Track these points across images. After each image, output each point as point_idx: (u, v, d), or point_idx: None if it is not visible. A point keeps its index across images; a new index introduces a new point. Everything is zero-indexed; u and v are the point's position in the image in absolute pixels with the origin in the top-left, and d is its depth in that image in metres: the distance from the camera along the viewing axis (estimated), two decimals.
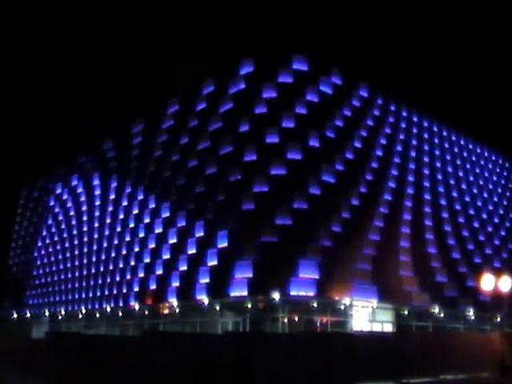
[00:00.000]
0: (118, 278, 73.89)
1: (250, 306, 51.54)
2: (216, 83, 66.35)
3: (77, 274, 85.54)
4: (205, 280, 56.98)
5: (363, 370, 29.81)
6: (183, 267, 61.27)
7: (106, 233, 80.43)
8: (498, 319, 58.89)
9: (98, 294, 77.51)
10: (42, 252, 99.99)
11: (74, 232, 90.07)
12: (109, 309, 71.88)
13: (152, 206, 71.51)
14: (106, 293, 75.41)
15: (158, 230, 68.51)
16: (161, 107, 75.00)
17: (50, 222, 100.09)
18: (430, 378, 33.63)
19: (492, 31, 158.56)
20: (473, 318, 66.26)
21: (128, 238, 74.65)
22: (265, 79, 59.91)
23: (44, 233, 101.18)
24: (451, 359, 35.84)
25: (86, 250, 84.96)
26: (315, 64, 61.59)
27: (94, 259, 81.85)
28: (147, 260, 68.54)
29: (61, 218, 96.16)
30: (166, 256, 64.95)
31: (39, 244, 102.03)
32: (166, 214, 68.10)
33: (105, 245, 79.89)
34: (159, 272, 65.15)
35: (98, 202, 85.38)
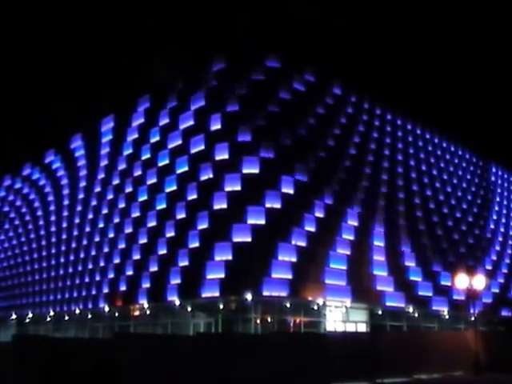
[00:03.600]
0: (87, 280, 73.36)
1: (222, 306, 51.61)
2: (187, 80, 66.19)
3: (44, 276, 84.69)
4: (176, 281, 56.89)
5: (337, 371, 29.96)
6: (154, 268, 61.09)
7: (75, 233, 79.77)
8: (472, 318, 59.57)
9: (67, 295, 76.85)
10: (9, 253, 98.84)
11: (42, 232, 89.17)
12: (78, 311, 71.38)
13: (122, 205, 71.14)
14: (75, 295, 74.82)
15: (128, 230, 68.20)
16: (131, 104, 74.55)
17: (17, 222, 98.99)
18: (404, 378, 33.90)
19: (470, 27, 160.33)
20: (447, 316, 67.08)
21: (97, 239, 74.14)
22: (237, 76, 59.95)
23: (11, 233, 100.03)
24: (425, 358, 36.15)
25: (54, 251, 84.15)
26: (288, 61, 61.68)
27: (62, 260, 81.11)
28: (117, 261, 68.19)
29: (28, 218, 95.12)
30: (137, 257, 64.70)
31: (5, 245, 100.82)
32: (136, 214, 67.81)
33: (73, 245, 79.22)
34: (129, 273, 64.88)
35: (66, 202, 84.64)
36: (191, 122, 63.35)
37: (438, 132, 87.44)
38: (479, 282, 42.32)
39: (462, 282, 42.07)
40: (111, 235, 71.40)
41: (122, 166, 73.67)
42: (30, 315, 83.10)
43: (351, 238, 61.22)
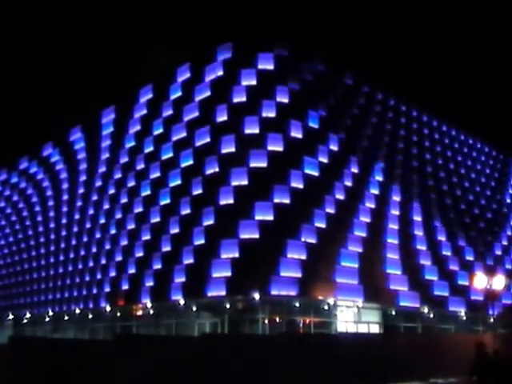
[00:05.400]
0: (87, 278, 73.52)
1: (228, 306, 51.61)
2: (192, 69, 66.12)
3: (43, 275, 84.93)
4: (180, 279, 56.93)
5: (348, 374, 29.91)
6: (157, 266, 61.16)
7: (75, 230, 79.92)
8: (491, 320, 59.37)
9: (66, 295, 77.03)
10: (5, 251, 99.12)
11: (40, 229, 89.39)
12: (78, 311, 71.52)
13: (124, 200, 71.20)
14: (75, 294, 74.98)
15: (131, 226, 68.26)
16: (133, 95, 74.53)
17: (13, 218, 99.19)
18: (419, 382, 33.78)
19: (483, 18, 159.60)
20: (464, 318, 66.83)
21: (98, 236, 74.27)
22: (244, 65, 59.81)
23: (7, 230, 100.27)
24: (441, 362, 36.00)
25: (52, 248, 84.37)
26: (298, 49, 61.60)
27: (61, 258, 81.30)
28: (119, 258, 68.29)
29: (25, 214, 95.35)
30: (139, 254, 64.77)
31: (2, 242, 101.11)
32: (138, 210, 67.86)
33: (73, 243, 79.37)
34: (132, 271, 64.96)
35: (65, 197, 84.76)
36: (196, 114, 63.30)
37: (456, 125, 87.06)
38: (499, 282, 42.16)
39: (480, 281, 41.94)
40: (113, 232, 71.51)
41: (123, 160, 73.70)
42: (28, 315, 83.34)
43: (363, 234, 61.11)
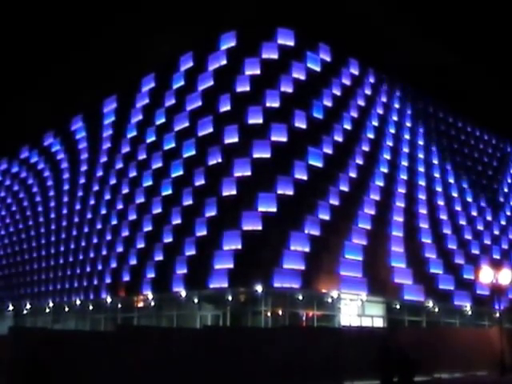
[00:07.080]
0: (88, 269, 73.60)
1: (230, 298, 51.62)
2: (195, 58, 65.90)
3: (43, 265, 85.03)
4: (182, 271, 56.95)
5: (352, 368, 29.90)
6: (159, 257, 61.20)
7: (76, 220, 79.94)
8: (497, 314, 59.29)
9: (67, 286, 77.16)
10: (6, 241, 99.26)
11: (41, 219, 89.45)
12: (78, 302, 71.62)
13: (125, 191, 71.15)
14: (76, 285, 75.10)
15: (132, 217, 68.25)
16: (135, 84, 74.34)
17: (14, 208, 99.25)
18: (423, 377, 33.72)
19: (488, 4, 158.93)
20: (469, 312, 66.77)
21: (99, 226, 74.30)
22: (247, 54, 59.57)
23: (8, 220, 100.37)
24: (446, 357, 35.99)
25: (53, 238, 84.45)
26: (302, 38, 61.28)
27: (62, 249, 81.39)
28: (120, 249, 68.34)
29: (26, 203, 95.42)
30: (141, 245, 64.82)
31: (2, 233, 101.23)
32: (140, 200, 67.82)
33: (74, 233, 79.42)
34: (133, 262, 65.02)
35: (66, 187, 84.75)
36: (199, 103, 63.14)
37: (462, 115, 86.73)
38: (505, 276, 42.02)
39: (486, 275, 41.83)
40: (114, 222, 71.53)
41: (125, 150, 73.60)
42: (28, 306, 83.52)
43: (368, 227, 61.01)
